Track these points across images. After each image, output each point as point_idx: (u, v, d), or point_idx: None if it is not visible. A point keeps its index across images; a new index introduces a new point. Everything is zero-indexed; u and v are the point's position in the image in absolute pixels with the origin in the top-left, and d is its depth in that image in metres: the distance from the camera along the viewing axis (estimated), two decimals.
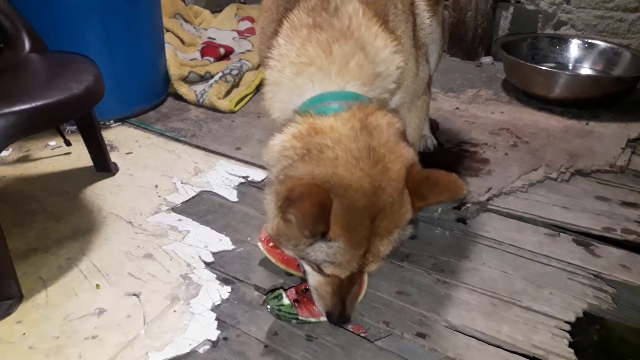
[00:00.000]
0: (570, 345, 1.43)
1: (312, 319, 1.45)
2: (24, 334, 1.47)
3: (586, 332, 2.25)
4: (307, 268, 1.31)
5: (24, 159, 2.38)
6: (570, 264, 1.70)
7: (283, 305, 1.44)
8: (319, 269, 1.26)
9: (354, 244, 1.17)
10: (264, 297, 1.51)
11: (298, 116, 1.26)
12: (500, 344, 1.41)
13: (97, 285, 1.64)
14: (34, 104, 1.51)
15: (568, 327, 1.48)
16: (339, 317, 1.31)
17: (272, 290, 1.50)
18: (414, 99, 1.66)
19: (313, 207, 1.06)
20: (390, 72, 1.35)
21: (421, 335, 1.44)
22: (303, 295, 1.49)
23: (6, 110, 1.45)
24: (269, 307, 1.46)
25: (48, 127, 2.07)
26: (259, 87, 2.97)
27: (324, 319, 1.42)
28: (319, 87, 1.29)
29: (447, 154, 2.37)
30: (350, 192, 1.13)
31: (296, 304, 1.45)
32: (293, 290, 1.49)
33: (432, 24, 1.73)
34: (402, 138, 1.26)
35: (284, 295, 1.45)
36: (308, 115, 1.24)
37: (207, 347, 1.41)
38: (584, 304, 1.56)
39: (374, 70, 1.32)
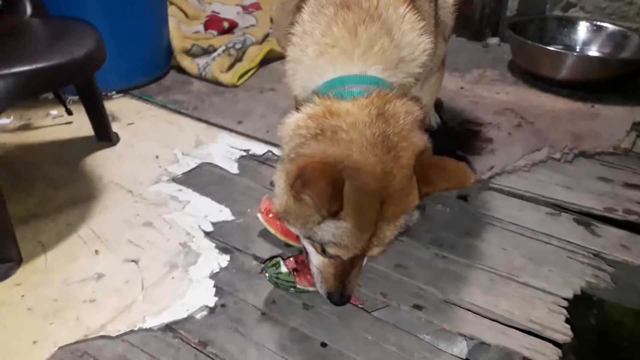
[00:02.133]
0: (567, 321, 1.42)
1: (310, 288, 1.45)
2: (23, 296, 1.48)
3: (584, 316, 2.26)
4: (310, 248, 1.31)
5: (25, 127, 2.37)
6: (571, 242, 1.70)
7: (281, 273, 1.44)
8: (322, 250, 1.26)
9: (361, 226, 1.17)
10: (263, 265, 1.51)
11: (316, 97, 1.25)
12: (497, 318, 1.41)
13: (96, 251, 1.64)
14: (34, 66, 1.50)
15: (565, 304, 1.47)
16: (340, 297, 1.31)
17: (271, 259, 1.50)
18: (429, 75, 1.65)
19: (327, 185, 1.06)
20: (416, 56, 1.33)
21: (418, 307, 1.44)
22: (302, 265, 1.49)
23: (6, 72, 1.44)
24: (267, 274, 1.46)
25: (48, 90, 2.07)
26: (262, 62, 2.94)
27: None
28: (341, 70, 1.28)
29: (450, 132, 2.35)
30: (362, 175, 1.13)
31: (295, 273, 1.45)
32: (292, 259, 1.49)
33: (454, 3, 1.71)
34: (419, 126, 1.25)
35: (282, 263, 1.45)
36: (326, 98, 1.24)
37: (205, 313, 1.42)
38: (583, 282, 1.55)
39: (398, 55, 1.30)
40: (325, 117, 1.20)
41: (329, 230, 1.18)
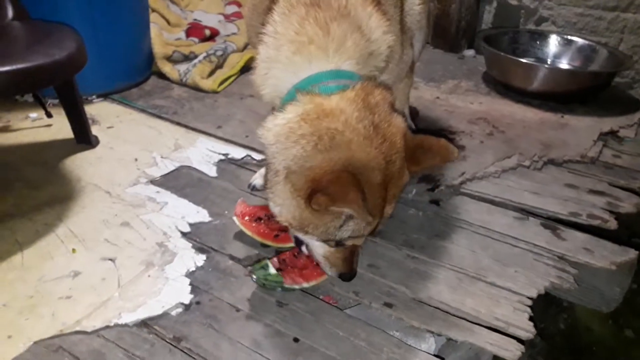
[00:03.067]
0: (530, 319, 1.47)
1: (296, 286, 1.50)
2: None
3: (554, 321, 2.33)
4: (317, 243, 1.37)
5: (4, 129, 2.38)
6: (537, 245, 1.76)
7: (270, 274, 1.47)
8: (337, 244, 1.33)
9: (375, 216, 1.26)
10: (249, 268, 1.53)
11: (301, 95, 1.27)
12: (464, 316, 1.46)
13: (73, 250, 1.66)
14: (15, 67, 1.53)
15: (530, 303, 1.52)
16: (351, 274, 1.41)
17: (258, 261, 1.53)
18: (397, 81, 1.71)
19: (358, 192, 1.11)
20: (382, 50, 1.40)
21: (388, 305, 1.48)
22: (285, 264, 1.53)
23: None
24: (254, 277, 1.49)
25: (29, 90, 2.09)
26: (243, 69, 2.99)
27: (306, 284, 1.50)
28: (316, 66, 1.32)
29: None
30: (369, 170, 1.19)
31: (280, 273, 1.49)
32: (275, 259, 1.53)
33: (422, 11, 1.78)
34: (393, 108, 1.32)
35: (270, 265, 1.48)
36: (313, 94, 1.26)
37: (180, 310, 1.45)
38: (547, 282, 1.61)
39: (368, 49, 1.36)
40: (319, 117, 1.22)
41: (349, 228, 1.26)
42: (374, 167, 1.20)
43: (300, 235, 1.37)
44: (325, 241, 1.34)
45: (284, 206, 1.29)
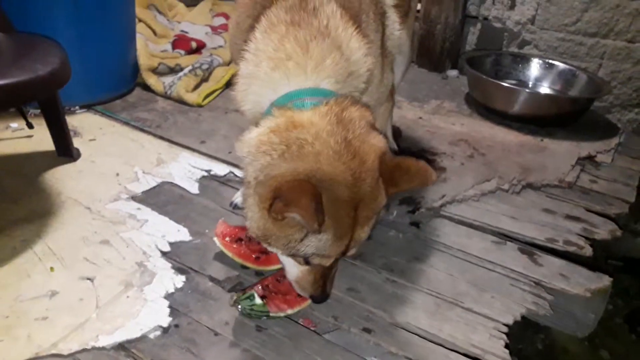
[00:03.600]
0: (506, 346, 1.50)
1: (281, 314, 1.50)
2: None
3: (531, 341, 2.36)
4: (289, 261, 1.36)
5: None
6: (514, 270, 1.79)
7: (255, 304, 1.47)
8: (306, 262, 1.32)
9: (341, 234, 1.24)
10: (234, 297, 1.52)
11: (275, 109, 1.28)
12: (441, 342, 1.48)
13: (51, 268, 1.64)
14: None
15: (505, 329, 1.55)
16: (322, 297, 1.41)
17: (243, 291, 1.52)
18: (377, 105, 1.72)
19: (311, 201, 1.10)
20: (362, 72, 1.41)
21: (367, 331, 1.50)
22: (268, 290, 1.53)
23: None
24: (239, 307, 1.49)
25: (10, 106, 2.07)
26: (228, 83, 2.98)
27: (290, 311, 1.50)
28: (295, 83, 1.32)
29: None
30: (335, 185, 1.18)
31: (264, 300, 1.49)
32: (259, 286, 1.52)
33: (402, 35, 1.80)
34: (373, 128, 1.32)
35: (256, 295, 1.48)
36: (286, 109, 1.27)
37: (158, 332, 1.44)
38: (523, 308, 1.64)
39: (348, 69, 1.36)
40: (288, 129, 1.23)
41: (312, 244, 1.24)
42: (340, 182, 1.19)
43: (267, 247, 1.36)
44: (292, 257, 1.33)
45: (252, 218, 1.28)
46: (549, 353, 2.35)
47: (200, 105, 2.81)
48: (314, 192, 1.12)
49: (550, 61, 3.19)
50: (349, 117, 1.27)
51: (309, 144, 1.20)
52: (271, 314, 1.48)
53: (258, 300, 1.47)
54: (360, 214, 1.24)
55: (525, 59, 3.25)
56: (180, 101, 2.82)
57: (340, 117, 1.25)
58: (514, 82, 3.14)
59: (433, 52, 3.50)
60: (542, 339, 2.40)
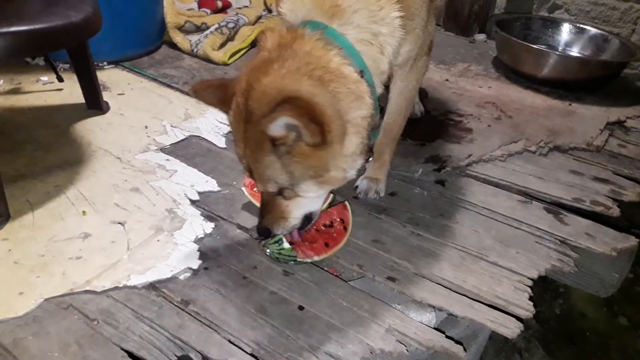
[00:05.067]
0: (530, 298, 1.51)
1: (307, 259, 1.53)
2: (10, 250, 1.52)
3: (549, 305, 2.37)
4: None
5: (15, 91, 2.39)
6: (539, 229, 1.78)
7: (284, 249, 1.50)
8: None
9: (235, 139, 1.39)
10: (262, 242, 1.54)
11: None
12: (465, 293, 1.49)
13: (84, 212, 1.68)
14: (32, 27, 1.53)
15: (530, 283, 1.55)
16: (257, 227, 1.46)
17: (273, 236, 1.52)
18: (418, 56, 1.70)
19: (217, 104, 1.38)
20: (382, 15, 1.34)
21: (391, 279, 1.52)
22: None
23: (5, 30, 1.47)
24: (268, 251, 1.52)
25: (44, 52, 2.12)
26: (253, 43, 2.98)
27: (317, 258, 1.53)
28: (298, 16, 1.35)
29: (433, 121, 2.43)
30: (237, 95, 1.30)
31: (292, 246, 1.51)
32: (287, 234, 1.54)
33: None
34: (305, 73, 1.24)
35: (284, 239, 1.50)
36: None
37: (188, 274, 1.48)
38: (548, 264, 1.64)
39: (338, 3, 1.31)
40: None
41: None
42: (240, 93, 1.27)
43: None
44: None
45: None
46: (567, 317, 2.36)
47: (226, 64, 2.81)
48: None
49: (581, 25, 3.11)
50: (295, 48, 1.26)
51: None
52: (298, 259, 1.51)
53: (286, 245, 1.49)
54: (247, 134, 1.27)
55: (555, 23, 3.18)
56: (207, 59, 2.82)
57: (283, 45, 1.27)
58: (543, 46, 3.07)
59: (461, 16, 3.44)
60: (560, 303, 2.42)
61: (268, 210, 1.41)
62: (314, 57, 1.25)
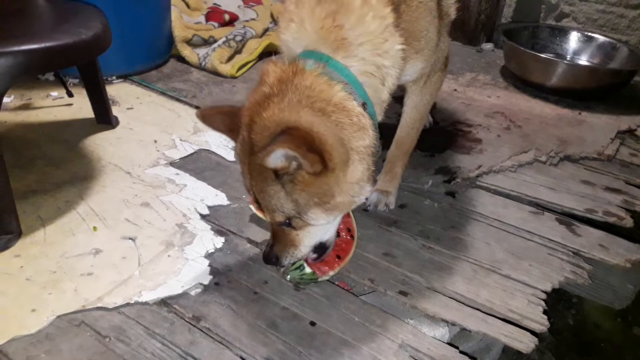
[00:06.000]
0: (544, 312, 1.49)
1: (326, 277, 1.51)
2: (22, 267, 1.52)
3: (563, 316, 2.34)
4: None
5: (25, 107, 2.40)
6: (552, 240, 1.77)
7: (305, 274, 1.49)
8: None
9: (242, 172, 1.39)
10: (282, 269, 1.51)
11: None
12: (478, 307, 1.48)
13: (94, 228, 1.69)
14: (43, 45, 1.54)
15: (544, 296, 1.54)
16: (263, 255, 1.43)
17: (293, 263, 1.49)
18: (432, 72, 1.69)
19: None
20: (386, 48, 1.32)
21: (403, 294, 1.50)
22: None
23: (16, 49, 1.49)
24: (289, 277, 1.50)
25: (54, 69, 2.13)
26: (261, 55, 3.00)
27: (332, 272, 1.51)
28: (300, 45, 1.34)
29: (441, 131, 2.42)
30: (242, 128, 1.30)
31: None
32: None
33: None
34: (305, 105, 1.23)
35: (305, 265, 1.48)
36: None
37: (199, 290, 1.47)
38: (561, 277, 1.62)
39: (356, 40, 1.29)
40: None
41: None
42: (244, 126, 1.27)
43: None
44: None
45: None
46: (580, 328, 2.33)
47: (234, 77, 2.82)
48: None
49: (589, 34, 3.10)
50: (296, 83, 1.24)
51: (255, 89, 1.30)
52: (319, 280, 1.50)
53: (308, 270, 1.48)
54: (251, 166, 1.26)
55: (563, 32, 3.18)
56: (215, 72, 2.84)
57: (284, 80, 1.25)
58: (551, 55, 3.07)
59: (468, 25, 3.44)
60: (573, 314, 2.39)
61: (278, 239, 1.39)
62: (315, 91, 1.24)
